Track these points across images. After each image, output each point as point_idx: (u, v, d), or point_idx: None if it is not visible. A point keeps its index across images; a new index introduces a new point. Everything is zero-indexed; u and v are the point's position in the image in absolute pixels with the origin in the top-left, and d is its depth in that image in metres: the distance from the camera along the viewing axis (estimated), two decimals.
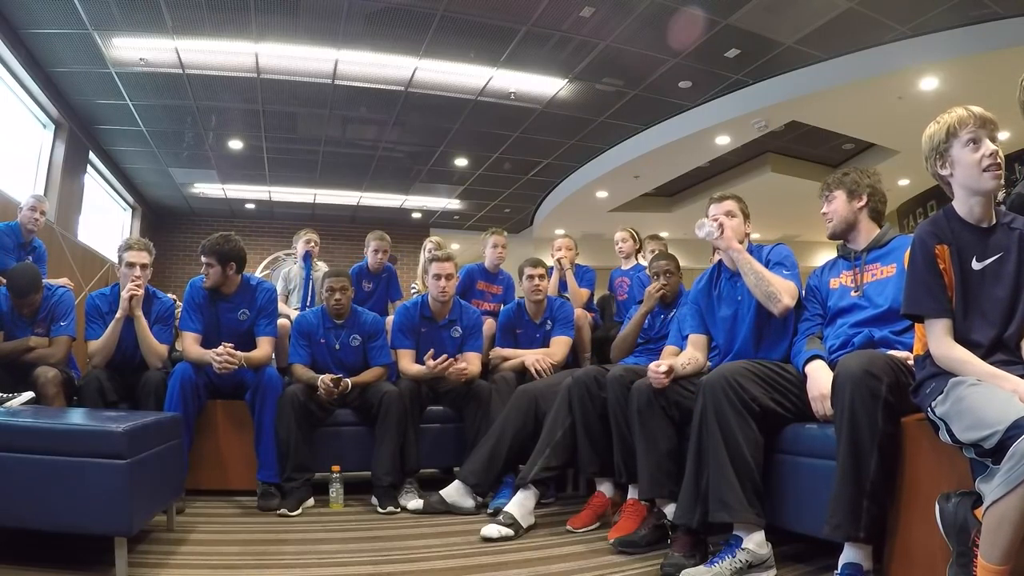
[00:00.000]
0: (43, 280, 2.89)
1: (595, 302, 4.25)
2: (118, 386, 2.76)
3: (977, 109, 1.52)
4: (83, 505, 1.73)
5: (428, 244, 4.28)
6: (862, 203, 2.02)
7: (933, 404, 1.42)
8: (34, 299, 2.81)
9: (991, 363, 1.41)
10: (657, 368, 2.12)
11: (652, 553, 2.04)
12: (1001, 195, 1.65)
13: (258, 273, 7.96)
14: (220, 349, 2.71)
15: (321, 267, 4.36)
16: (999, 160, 1.49)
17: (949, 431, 1.35)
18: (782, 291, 2.05)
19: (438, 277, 3.08)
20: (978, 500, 1.26)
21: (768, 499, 1.85)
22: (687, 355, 2.33)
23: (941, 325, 1.48)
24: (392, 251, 4.52)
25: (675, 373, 2.15)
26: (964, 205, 1.55)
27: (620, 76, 6.06)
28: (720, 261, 2.36)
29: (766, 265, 2.18)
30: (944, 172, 1.56)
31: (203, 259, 2.88)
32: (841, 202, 2.03)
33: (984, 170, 1.48)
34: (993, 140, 1.51)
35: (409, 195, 9.76)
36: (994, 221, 1.54)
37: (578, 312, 3.56)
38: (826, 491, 1.61)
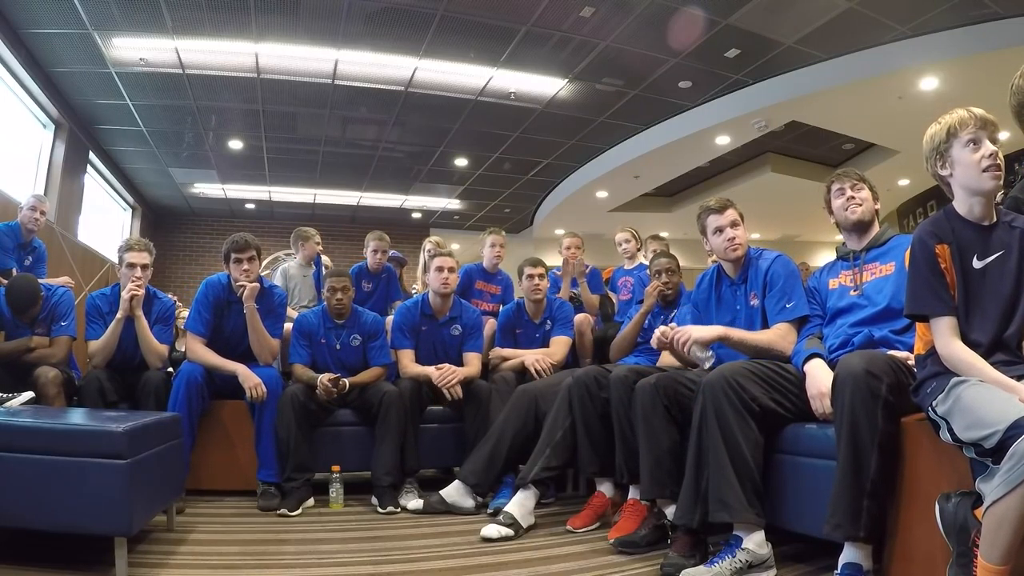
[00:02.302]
0: (41, 286, 2.89)
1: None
2: (118, 386, 2.77)
3: (978, 110, 1.52)
4: (83, 505, 1.73)
5: (427, 244, 4.28)
6: (878, 207, 2.09)
7: (934, 403, 1.42)
8: (32, 312, 2.82)
9: (991, 363, 1.41)
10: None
11: (652, 553, 2.04)
12: (999, 196, 1.65)
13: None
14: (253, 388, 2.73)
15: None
16: (998, 161, 1.49)
17: (950, 430, 1.35)
18: (785, 347, 2.06)
19: (440, 269, 3.09)
20: (978, 500, 1.26)
21: (768, 499, 1.85)
22: None
23: (946, 323, 1.47)
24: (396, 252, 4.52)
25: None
26: (964, 205, 1.55)
27: (620, 76, 6.06)
28: (720, 265, 2.37)
29: (764, 291, 2.18)
30: (944, 172, 1.56)
31: (244, 255, 2.85)
32: (869, 198, 2.07)
33: (983, 171, 1.48)
34: (993, 141, 1.51)
35: (409, 195, 9.76)
36: (995, 219, 1.54)
37: (580, 316, 3.55)
38: (826, 491, 1.61)
